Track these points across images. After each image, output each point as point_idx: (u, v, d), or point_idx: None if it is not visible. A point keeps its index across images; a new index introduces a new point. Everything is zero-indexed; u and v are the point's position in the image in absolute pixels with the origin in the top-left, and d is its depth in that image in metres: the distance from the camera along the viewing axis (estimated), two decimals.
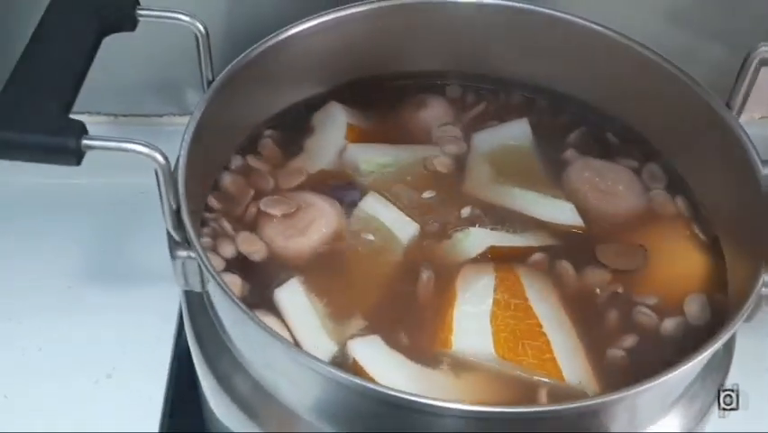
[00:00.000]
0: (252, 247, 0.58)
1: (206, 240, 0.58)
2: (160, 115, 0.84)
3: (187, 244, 0.49)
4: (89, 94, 0.78)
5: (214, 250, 0.57)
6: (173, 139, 0.53)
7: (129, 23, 0.55)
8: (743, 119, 0.82)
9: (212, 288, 0.50)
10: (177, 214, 0.49)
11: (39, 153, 0.45)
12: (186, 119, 0.54)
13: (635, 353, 0.53)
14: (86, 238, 0.77)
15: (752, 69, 0.56)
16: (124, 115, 0.85)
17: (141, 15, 0.55)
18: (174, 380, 0.68)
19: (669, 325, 0.55)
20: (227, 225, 0.59)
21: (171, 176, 0.48)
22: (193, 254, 0.49)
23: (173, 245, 0.50)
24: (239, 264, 0.57)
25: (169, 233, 0.50)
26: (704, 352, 0.46)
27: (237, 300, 0.45)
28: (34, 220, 0.77)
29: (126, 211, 0.79)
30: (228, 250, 0.58)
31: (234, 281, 0.56)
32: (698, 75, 0.61)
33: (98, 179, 0.75)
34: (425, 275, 0.56)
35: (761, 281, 0.48)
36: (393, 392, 0.42)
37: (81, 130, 0.46)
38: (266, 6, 0.71)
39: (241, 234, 0.59)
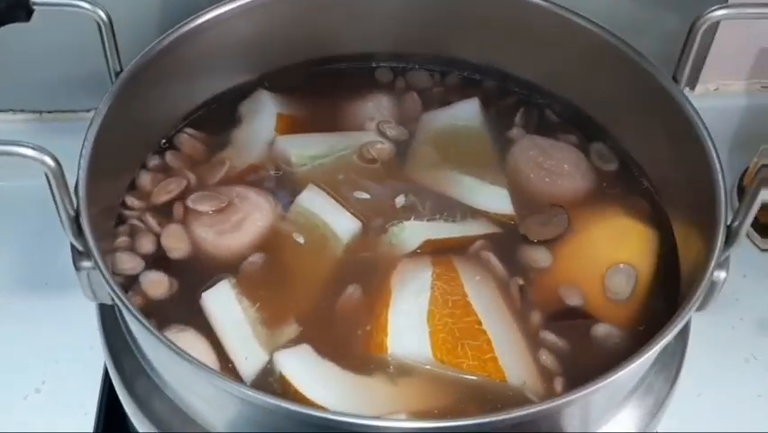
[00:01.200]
0: (176, 243, 0.55)
1: (123, 239, 0.55)
2: (88, 110, 0.79)
3: (89, 253, 0.45)
4: (12, 91, 0.76)
5: (132, 249, 0.54)
6: None
7: (22, 13, 0.50)
8: (698, 91, 0.80)
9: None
10: (76, 221, 0.45)
11: None
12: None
13: (571, 343, 0.51)
14: (12, 244, 0.72)
15: (698, 38, 0.52)
16: (50, 112, 0.80)
17: (36, 4, 0.50)
18: (107, 393, 0.64)
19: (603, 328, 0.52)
20: (152, 221, 0.56)
21: (64, 181, 0.43)
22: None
23: (76, 256, 0.46)
24: (165, 263, 0.54)
25: (70, 242, 0.46)
26: (652, 347, 0.43)
27: (143, 319, 0.41)
28: None
29: (54, 214, 0.74)
30: (148, 246, 0.55)
31: (161, 280, 0.53)
32: (649, 46, 0.57)
33: (24, 181, 0.71)
34: (352, 288, 0.53)
35: (712, 266, 0.45)
36: (309, 411, 0.39)
37: None
38: None
39: (168, 227, 0.56)
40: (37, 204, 0.73)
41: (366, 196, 0.58)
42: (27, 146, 0.42)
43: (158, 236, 0.55)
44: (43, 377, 0.65)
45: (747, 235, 0.71)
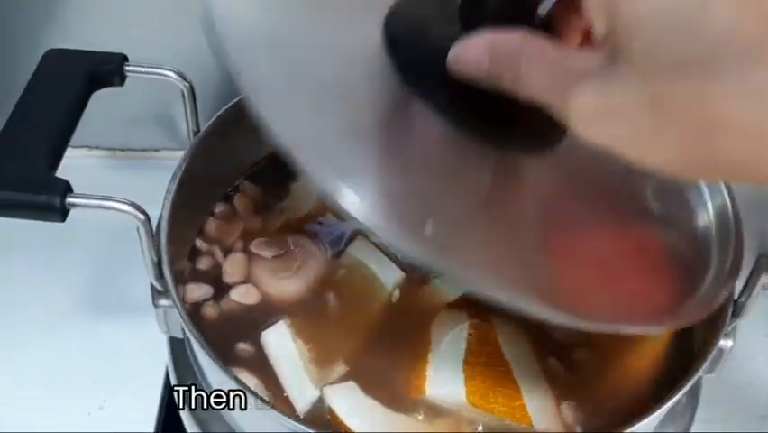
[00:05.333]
0: (236, 269, 0.60)
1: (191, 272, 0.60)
2: (157, 150, 0.86)
3: (167, 293, 0.51)
4: (89, 129, 0.82)
5: (199, 280, 0.60)
6: (170, 173, 0.56)
7: (117, 79, 0.57)
8: None
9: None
10: (158, 266, 0.51)
11: (24, 211, 0.47)
12: (182, 153, 0.57)
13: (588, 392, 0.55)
14: (81, 270, 0.78)
15: None
16: (122, 150, 0.87)
17: (129, 72, 0.57)
18: (165, 412, 0.70)
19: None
20: (219, 253, 0.61)
21: (152, 231, 0.50)
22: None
23: (155, 295, 0.52)
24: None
25: (151, 282, 0.52)
26: (660, 408, 0.47)
27: (211, 354, 0.47)
28: (30, 253, 0.78)
29: (121, 242, 0.79)
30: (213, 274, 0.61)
31: (250, 290, 0.59)
32: None
33: (95, 210, 0.77)
34: (395, 333, 0.58)
35: (720, 336, 0.50)
36: None
37: (65, 188, 0.48)
38: None
39: (231, 256, 0.61)
40: (103, 232, 0.79)
41: None
42: (122, 201, 0.48)
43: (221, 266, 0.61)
44: (106, 395, 0.70)
45: None
